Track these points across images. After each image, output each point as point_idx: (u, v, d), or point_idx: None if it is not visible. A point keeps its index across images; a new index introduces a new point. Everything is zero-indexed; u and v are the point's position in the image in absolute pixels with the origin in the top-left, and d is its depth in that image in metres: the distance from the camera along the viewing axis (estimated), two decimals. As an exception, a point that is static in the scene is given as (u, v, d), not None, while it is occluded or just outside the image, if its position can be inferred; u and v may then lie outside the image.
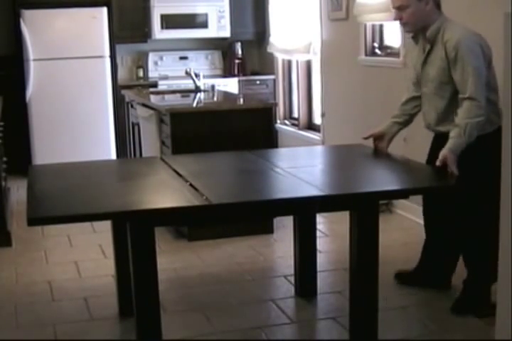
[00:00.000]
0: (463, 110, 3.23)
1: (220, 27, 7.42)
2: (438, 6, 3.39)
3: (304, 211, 3.32)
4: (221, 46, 7.82)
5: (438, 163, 3.21)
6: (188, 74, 5.96)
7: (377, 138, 3.70)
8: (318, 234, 3.95)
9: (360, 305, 3.03)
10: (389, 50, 5.45)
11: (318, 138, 6.60)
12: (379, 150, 3.68)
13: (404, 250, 4.45)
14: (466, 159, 3.21)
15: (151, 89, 6.57)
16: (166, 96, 6.02)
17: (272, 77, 7.58)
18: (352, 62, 5.77)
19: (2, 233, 4.69)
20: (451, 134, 3.24)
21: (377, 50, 5.57)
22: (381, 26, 5.58)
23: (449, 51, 3.26)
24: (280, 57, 7.45)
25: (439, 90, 3.39)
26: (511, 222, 2.45)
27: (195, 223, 3.96)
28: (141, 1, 7.32)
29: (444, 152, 3.20)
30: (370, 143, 4.29)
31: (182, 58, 7.72)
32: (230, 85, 7.32)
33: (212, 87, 6.00)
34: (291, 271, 3.84)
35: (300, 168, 3.42)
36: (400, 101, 3.72)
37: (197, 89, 5.94)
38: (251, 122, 4.73)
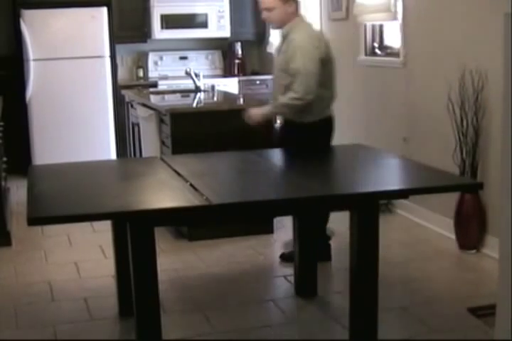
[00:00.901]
0: (285, 94, 3.89)
1: (220, 27, 7.42)
2: (297, 8, 4.04)
3: (303, 211, 3.32)
4: (221, 46, 7.82)
5: (245, 115, 4.08)
6: (188, 74, 5.96)
7: None
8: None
9: (360, 305, 3.03)
10: (389, 50, 5.45)
11: (318, 138, 6.59)
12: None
13: (404, 250, 4.45)
14: (288, 142, 3.98)
15: (151, 89, 6.56)
16: (166, 96, 6.02)
17: (272, 77, 7.56)
18: (352, 62, 5.77)
19: (2, 233, 4.69)
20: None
21: (377, 50, 5.58)
22: (381, 26, 5.58)
23: (289, 49, 3.87)
24: (280, 57, 7.44)
25: (280, 78, 4.00)
26: (511, 221, 2.45)
27: (195, 223, 3.96)
28: (141, 1, 7.32)
29: (253, 109, 4.10)
30: (370, 143, 4.30)
31: (182, 58, 7.72)
32: (230, 85, 7.32)
33: (212, 87, 6.00)
34: (291, 271, 3.85)
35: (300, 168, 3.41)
36: None
37: (197, 89, 5.93)
38: (251, 122, 4.72)
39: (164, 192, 3.04)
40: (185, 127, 4.64)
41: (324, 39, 4.07)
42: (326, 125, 4.09)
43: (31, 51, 6.66)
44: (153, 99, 5.63)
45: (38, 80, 6.75)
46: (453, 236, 4.45)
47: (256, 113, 4.11)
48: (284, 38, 4.00)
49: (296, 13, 4.01)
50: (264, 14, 4.00)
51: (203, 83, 6.04)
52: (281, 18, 3.96)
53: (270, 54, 7.46)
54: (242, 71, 7.73)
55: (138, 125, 5.77)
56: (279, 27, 4.04)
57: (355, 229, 2.98)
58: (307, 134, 3.96)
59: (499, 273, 2.58)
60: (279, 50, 4.07)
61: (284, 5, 3.93)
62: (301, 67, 3.83)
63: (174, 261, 4.30)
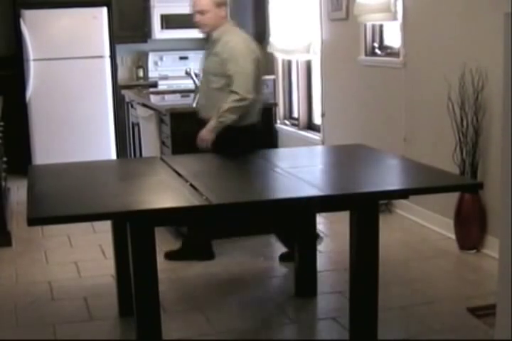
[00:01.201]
0: (227, 98, 3.89)
1: (220, 27, 7.41)
2: (227, 13, 4.12)
3: (303, 211, 3.32)
4: (221, 46, 7.80)
5: (197, 141, 3.98)
6: (188, 74, 5.95)
7: None
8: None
9: (360, 305, 3.03)
10: (389, 50, 5.45)
11: (318, 138, 6.60)
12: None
13: (404, 250, 4.45)
14: (218, 146, 3.94)
15: (151, 89, 6.57)
16: (166, 96, 6.02)
17: (272, 77, 7.57)
18: (352, 62, 5.77)
19: (2, 233, 4.69)
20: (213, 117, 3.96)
21: (377, 50, 5.58)
22: (381, 26, 5.58)
23: (225, 51, 3.91)
24: (280, 57, 7.45)
25: (210, 82, 4.02)
26: (511, 222, 2.45)
27: (195, 223, 3.96)
28: (141, 1, 7.32)
29: (201, 131, 3.99)
30: (370, 143, 4.30)
31: (182, 58, 7.72)
32: (230, 85, 7.31)
33: (213, 86, 5.99)
34: (291, 271, 3.84)
35: (300, 168, 3.42)
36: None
37: (197, 89, 5.93)
38: (251, 122, 4.71)
39: (164, 192, 3.04)
40: (185, 127, 4.63)
41: (255, 45, 4.16)
42: (257, 129, 4.09)
43: (31, 51, 6.67)
44: (153, 99, 5.63)
45: (38, 80, 6.75)
46: (453, 236, 4.45)
47: (206, 133, 4.00)
48: (215, 42, 4.01)
49: (226, 18, 4.08)
50: (197, 17, 4.00)
51: (203, 83, 6.03)
52: (213, 21, 3.98)
53: (270, 54, 7.47)
54: (242, 71, 7.72)
55: (138, 125, 5.77)
56: (210, 31, 4.03)
57: (355, 229, 2.98)
58: (240, 138, 3.96)
59: (499, 273, 2.58)
60: (208, 53, 4.08)
61: (217, 9, 3.97)
62: (239, 67, 3.88)
63: (174, 261, 4.29)
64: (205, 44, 4.17)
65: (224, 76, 3.92)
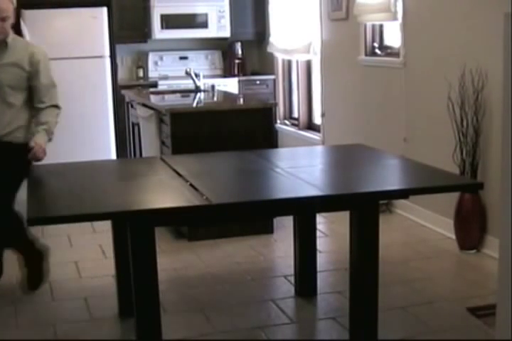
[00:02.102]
0: (48, 113, 3.62)
1: (220, 27, 7.42)
2: None
3: (303, 211, 3.32)
4: (221, 46, 7.82)
5: (33, 154, 3.53)
6: (188, 74, 5.96)
7: None
8: (318, 234, 3.95)
9: (360, 305, 3.03)
10: (389, 50, 5.45)
11: (318, 138, 6.60)
12: None
13: (404, 250, 4.45)
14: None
15: (151, 89, 6.57)
16: (166, 96, 6.02)
17: (272, 77, 7.58)
18: (352, 62, 5.77)
19: (2, 233, 4.68)
20: (39, 130, 3.58)
21: (377, 50, 5.58)
22: (381, 26, 5.58)
23: (33, 63, 3.57)
24: (280, 57, 7.46)
25: (7, 95, 3.57)
26: (511, 222, 2.45)
27: (195, 223, 3.97)
28: (141, 1, 7.32)
29: (37, 144, 3.52)
30: (370, 143, 4.30)
31: (182, 58, 7.72)
32: (230, 85, 7.33)
33: (212, 87, 6.00)
34: (291, 271, 3.84)
35: (300, 168, 3.42)
36: None
37: (197, 89, 5.94)
38: (251, 122, 4.73)
39: (164, 192, 3.04)
40: (185, 127, 4.64)
41: None
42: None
43: (31, 51, 6.66)
44: (153, 99, 5.63)
45: (38, 80, 6.74)
46: (453, 236, 4.46)
47: (42, 148, 3.59)
48: (8, 50, 3.59)
49: None
50: None
51: (203, 83, 6.04)
52: (10, 28, 3.64)
53: (270, 54, 7.49)
54: (242, 71, 7.74)
55: (138, 125, 5.77)
56: (5, 38, 3.61)
57: (355, 229, 2.98)
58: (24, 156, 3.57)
59: (499, 273, 2.58)
60: None
61: (13, 15, 3.68)
62: (52, 80, 3.66)
63: (174, 261, 4.30)
64: None
65: (24, 90, 3.60)
